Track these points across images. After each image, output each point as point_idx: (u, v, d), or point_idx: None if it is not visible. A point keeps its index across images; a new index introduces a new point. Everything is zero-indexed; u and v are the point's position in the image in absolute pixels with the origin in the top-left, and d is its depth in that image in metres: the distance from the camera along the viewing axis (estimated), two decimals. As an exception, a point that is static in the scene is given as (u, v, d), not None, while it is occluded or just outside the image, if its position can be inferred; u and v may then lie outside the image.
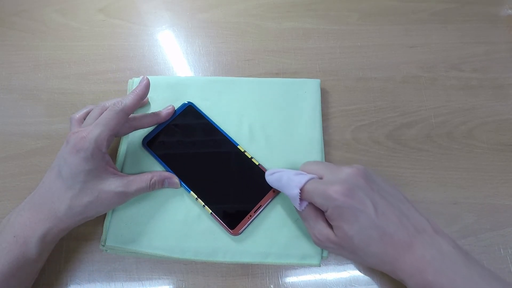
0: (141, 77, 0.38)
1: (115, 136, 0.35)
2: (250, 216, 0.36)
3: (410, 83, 0.45)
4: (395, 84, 0.45)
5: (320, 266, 0.36)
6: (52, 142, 0.42)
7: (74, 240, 0.37)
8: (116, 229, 0.36)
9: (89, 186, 0.32)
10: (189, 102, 0.42)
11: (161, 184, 0.37)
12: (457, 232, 0.37)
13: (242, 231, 0.36)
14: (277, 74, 0.46)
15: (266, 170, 0.38)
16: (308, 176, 0.32)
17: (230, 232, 0.35)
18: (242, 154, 0.39)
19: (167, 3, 0.51)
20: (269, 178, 0.35)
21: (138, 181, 0.35)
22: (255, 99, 0.42)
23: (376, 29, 0.48)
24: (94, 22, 0.49)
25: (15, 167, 0.41)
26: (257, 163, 0.38)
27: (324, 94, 0.44)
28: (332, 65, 0.46)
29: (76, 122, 0.37)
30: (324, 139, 0.41)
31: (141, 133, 0.40)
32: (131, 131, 0.38)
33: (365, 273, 0.36)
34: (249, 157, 0.39)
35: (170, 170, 0.38)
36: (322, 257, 0.35)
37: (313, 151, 0.40)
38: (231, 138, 0.40)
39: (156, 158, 0.39)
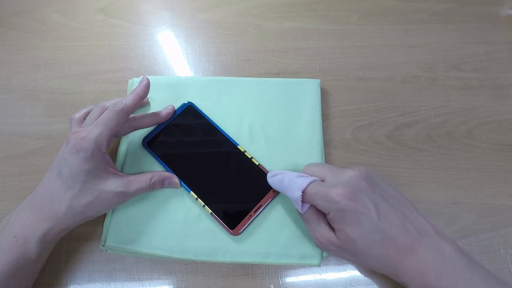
0: (141, 77, 0.38)
1: (115, 136, 0.35)
2: (250, 216, 0.36)
3: (410, 83, 0.45)
4: (395, 84, 0.45)
5: (320, 266, 0.36)
6: (52, 142, 0.42)
7: (74, 240, 0.37)
8: (116, 229, 0.36)
9: (89, 186, 0.32)
10: (189, 102, 0.42)
11: (161, 184, 0.37)
12: (457, 232, 0.37)
13: (242, 231, 0.36)
14: (277, 74, 0.46)
15: (266, 170, 0.38)
16: (310, 179, 0.32)
17: (230, 232, 0.35)
18: (242, 154, 0.39)
19: (167, 3, 0.51)
20: (271, 180, 0.35)
21: (138, 181, 0.35)
22: (255, 99, 0.42)
23: (376, 29, 0.48)
24: (94, 22, 0.49)
25: (15, 167, 0.41)
26: (257, 163, 0.38)
27: (324, 94, 0.44)
28: (332, 65, 0.46)
29: (76, 122, 0.37)
30: (324, 139, 0.41)
31: (141, 133, 0.40)
32: (131, 131, 0.38)
33: (365, 273, 0.36)
34: (249, 157, 0.39)
35: (170, 170, 0.38)
36: (322, 257, 0.35)
37: (313, 151, 0.40)
38: (231, 138, 0.40)
39: (156, 158, 0.39)
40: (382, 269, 0.31)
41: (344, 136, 0.42)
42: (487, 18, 0.49)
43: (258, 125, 0.41)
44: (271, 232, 0.36)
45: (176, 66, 0.47)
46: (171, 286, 0.36)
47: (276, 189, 0.35)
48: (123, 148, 0.40)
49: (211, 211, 0.36)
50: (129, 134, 0.40)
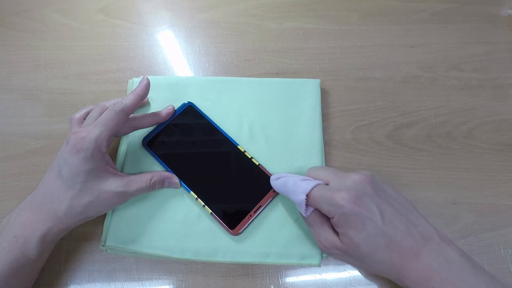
0: (141, 77, 0.38)
1: (115, 136, 0.35)
2: (250, 216, 0.36)
3: (410, 83, 0.45)
4: (395, 84, 0.45)
5: (320, 266, 0.36)
6: (52, 142, 0.42)
7: (74, 240, 0.37)
8: (116, 229, 0.36)
9: (89, 186, 0.32)
10: (189, 102, 0.42)
11: (161, 184, 0.37)
12: (457, 232, 0.37)
13: (242, 231, 0.36)
14: (277, 74, 0.46)
15: (266, 170, 0.38)
16: (315, 182, 0.32)
17: (230, 232, 0.35)
18: (242, 154, 0.39)
19: (167, 3, 0.51)
20: (274, 183, 0.35)
21: (138, 181, 0.35)
22: (255, 99, 0.42)
23: (376, 29, 0.48)
24: (94, 22, 0.49)
25: (15, 167, 0.41)
26: (257, 163, 0.38)
27: (324, 94, 0.44)
28: (332, 65, 0.46)
29: (76, 122, 0.36)
30: (324, 139, 0.41)
31: (141, 133, 0.40)
32: (131, 131, 0.38)
33: (365, 274, 0.36)
34: (249, 157, 0.38)
35: (170, 170, 0.38)
36: (322, 257, 0.35)
37: (313, 151, 0.40)
38: (231, 138, 0.40)
39: (156, 158, 0.39)
40: (386, 273, 0.30)
41: (344, 136, 0.42)
42: (487, 18, 0.49)
43: (258, 125, 0.41)
44: (271, 232, 0.36)
45: (176, 66, 0.47)
46: (171, 286, 0.36)
47: (279, 192, 0.35)
48: (123, 148, 0.40)
49: (211, 211, 0.36)
50: (129, 134, 0.40)
